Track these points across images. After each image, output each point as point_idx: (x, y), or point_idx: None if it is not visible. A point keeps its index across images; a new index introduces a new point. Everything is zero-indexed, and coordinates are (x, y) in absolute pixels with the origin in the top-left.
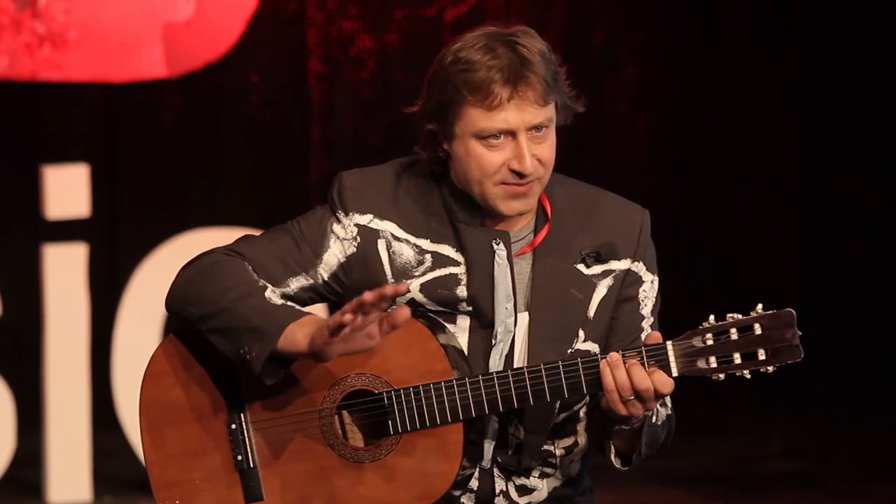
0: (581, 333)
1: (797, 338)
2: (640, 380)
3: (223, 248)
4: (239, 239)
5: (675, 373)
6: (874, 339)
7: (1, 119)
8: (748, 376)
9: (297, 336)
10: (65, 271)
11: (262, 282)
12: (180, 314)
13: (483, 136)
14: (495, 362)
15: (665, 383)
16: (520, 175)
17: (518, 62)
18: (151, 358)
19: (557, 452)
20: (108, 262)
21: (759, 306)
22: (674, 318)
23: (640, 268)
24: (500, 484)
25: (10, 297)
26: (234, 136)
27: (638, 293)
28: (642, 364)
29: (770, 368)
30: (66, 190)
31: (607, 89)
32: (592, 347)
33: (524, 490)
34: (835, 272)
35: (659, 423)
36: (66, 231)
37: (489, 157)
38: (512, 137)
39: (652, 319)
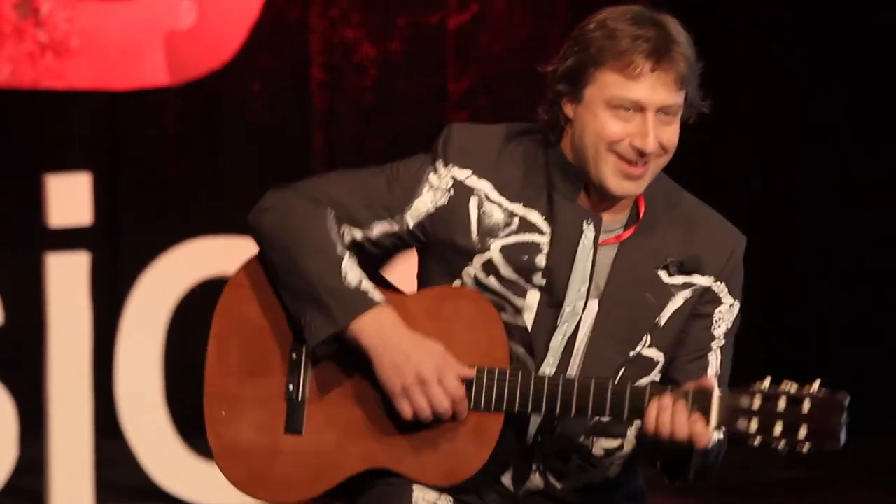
0: (647, 338)
1: (841, 426)
2: (679, 428)
3: (315, 190)
4: (330, 175)
5: (713, 423)
6: (875, 341)
7: (3, 127)
8: (782, 451)
9: (361, 337)
10: (67, 279)
11: (342, 245)
12: (258, 244)
13: (613, 105)
14: (557, 342)
15: (701, 436)
16: (640, 153)
17: (665, 39)
18: (238, 269)
19: (597, 453)
20: (111, 271)
21: (817, 382)
22: (730, 361)
23: (721, 288)
24: (537, 463)
25: (13, 305)
26: (236, 144)
27: (713, 312)
28: (686, 406)
29: (806, 449)
30: (69, 198)
31: None
32: (657, 355)
33: (559, 474)
34: (835, 273)
35: (710, 446)
36: (69, 239)
37: (613, 124)
38: (640, 113)
39: (723, 342)
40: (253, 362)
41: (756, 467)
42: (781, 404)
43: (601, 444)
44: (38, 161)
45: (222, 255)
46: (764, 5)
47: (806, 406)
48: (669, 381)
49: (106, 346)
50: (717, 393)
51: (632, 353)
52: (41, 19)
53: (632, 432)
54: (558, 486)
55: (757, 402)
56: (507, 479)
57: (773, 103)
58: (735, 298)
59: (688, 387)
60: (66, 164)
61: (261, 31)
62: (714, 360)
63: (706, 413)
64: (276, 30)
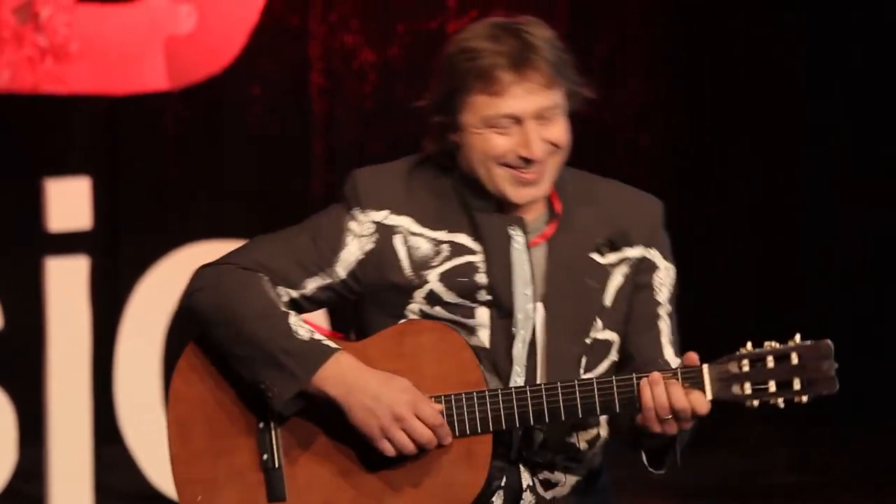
0: (598, 322)
1: (833, 370)
2: (677, 398)
3: (242, 259)
4: (254, 241)
5: (709, 396)
6: (877, 343)
7: (3, 132)
8: (782, 405)
9: (326, 387)
10: (66, 284)
11: (283, 304)
12: (199, 325)
13: (490, 124)
14: (518, 351)
15: (702, 403)
16: (527, 161)
17: (522, 47)
18: (184, 352)
19: (581, 446)
20: (110, 275)
21: (797, 336)
22: (677, 325)
23: (654, 254)
24: (526, 478)
25: (12, 309)
26: (235, 149)
27: (652, 280)
28: (678, 384)
29: (804, 398)
30: (68, 202)
31: (609, 102)
32: (611, 336)
33: (549, 484)
34: (835, 273)
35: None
36: (68, 243)
37: (495, 140)
38: (519, 124)
39: (669, 308)
40: (219, 441)
41: (757, 471)
42: (770, 362)
43: (583, 438)
44: (38, 165)
45: None
46: (764, 5)
47: (794, 358)
48: (626, 356)
49: (105, 351)
50: (704, 366)
51: (588, 341)
52: (41, 24)
53: (604, 418)
54: (548, 497)
55: (745, 366)
56: (498, 501)
57: (773, 103)
58: (669, 262)
59: (673, 367)
60: (65, 169)
61: (260, 37)
62: (665, 327)
63: (700, 388)
64: (275, 35)
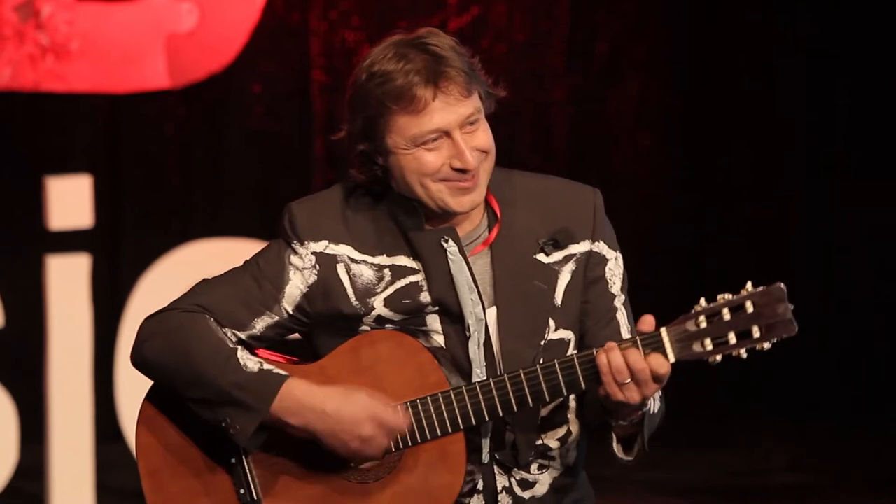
0: (551, 323)
1: (790, 312)
2: (635, 360)
3: (185, 304)
4: (198, 286)
5: (672, 358)
6: (877, 348)
7: (4, 130)
8: (744, 356)
9: (286, 417)
10: (68, 282)
11: (230, 341)
12: (152, 378)
13: (419, 143)
14: (475, 352)
15: (661, 364)
16: (462, 171)
17: (433, 61)
18: (143, 402)
19: (552, 445)
20: (111, 273)
21: (749, 284)
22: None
23: (601, 247)
24: (501, 480)
25: (13, 307)
26: (236, 147)
27: (605, 273)
28: (639, 352)
29: (766, 345)
30: (69, 201)
31: (610, 101)
32: (566, 335)
33: (526, 484)
34: (837, 280)
35: (655, 411)
36: (69, 242)
37: (427, 157)
38: (447, 136)
39: (623, 297)
40: (193, 483)
41: (756, 471)
42: (726, 315)
43: (553, 437)
44: (39, 163)
45: (222, 257)
46: (764, 6)
47: (749, 307)
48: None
49: (106, 349)
50: (663, 329)
51: (542, 342)
52: (42, 22)
53: (572, 414)
54: (526, 497)
55: (703, 322)
56: None
57: (773, 103)
58: (616, 251)
59: (613, 325)
60: (66, 167)
61: (261, 34)
62: (622, 318)
63: (661, 353)
64: (276, 33)
